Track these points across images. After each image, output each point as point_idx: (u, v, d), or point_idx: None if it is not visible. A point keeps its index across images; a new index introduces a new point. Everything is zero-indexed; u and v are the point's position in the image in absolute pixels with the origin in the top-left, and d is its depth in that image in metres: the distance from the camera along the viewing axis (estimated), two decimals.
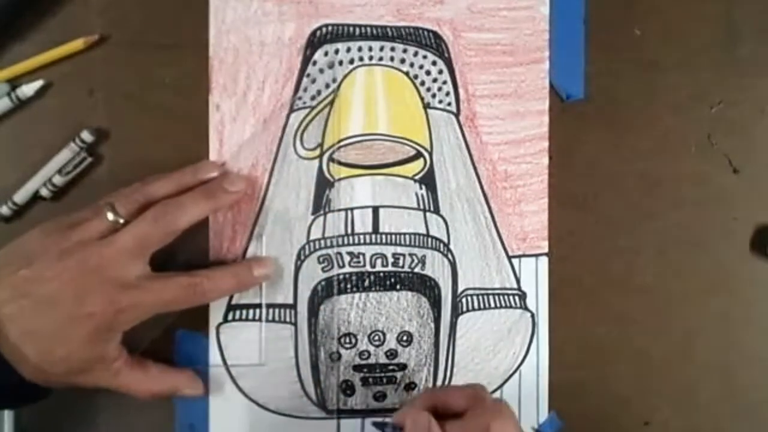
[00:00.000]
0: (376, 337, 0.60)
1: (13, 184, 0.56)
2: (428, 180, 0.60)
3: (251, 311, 0.59)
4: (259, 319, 0.59)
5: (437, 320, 0.60)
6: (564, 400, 0.62)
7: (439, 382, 0.61)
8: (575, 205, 0.62)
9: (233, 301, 0.58)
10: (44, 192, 0.56)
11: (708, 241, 0.64)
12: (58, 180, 0.56)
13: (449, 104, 0.61)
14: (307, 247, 0.59)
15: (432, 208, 0.60)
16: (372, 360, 0.60)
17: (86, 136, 0.56)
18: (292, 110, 0.59)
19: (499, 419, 0.49)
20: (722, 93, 0.64)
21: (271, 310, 0.59)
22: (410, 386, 0.61)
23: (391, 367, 0.60)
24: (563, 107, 0.62)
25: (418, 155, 0.60)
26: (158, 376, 0.54)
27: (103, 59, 0.57)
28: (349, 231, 0.59)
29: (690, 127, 0.63)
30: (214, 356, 0.58)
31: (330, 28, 0.59)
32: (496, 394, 0.61)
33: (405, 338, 0.60)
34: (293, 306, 0.59)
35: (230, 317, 0.58)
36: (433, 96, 0.60)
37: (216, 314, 0.58)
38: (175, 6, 0.58)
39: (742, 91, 0.64)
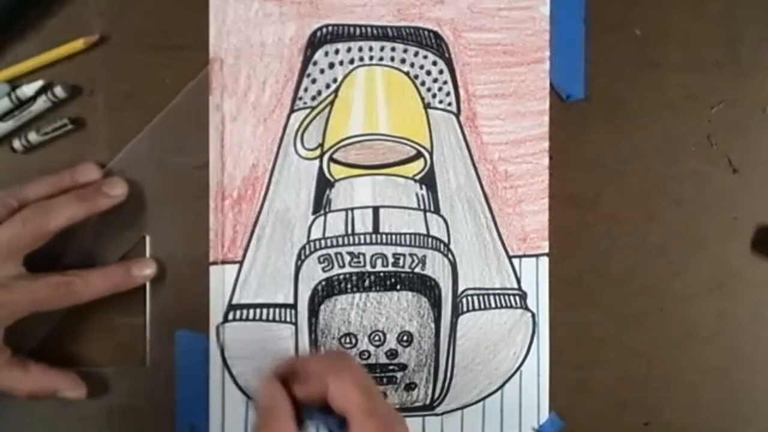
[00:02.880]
0: (377, 337, 0.60)
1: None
2: (428, 180, 0.60)
3: (251, 311, 0.59)
4: (259, 319, 0.59)
5: (437, 320, 0.60)
6: (564, 400, 0.62)
7: (439, 383, 0.61)
8: (575, 205, 0.62)
9: (233, 301, 0.58)
10: (17, 145, 0.57)
11: (708, 241, 0.64)
12: (33, 138, 0.56)
13: (449, 104, 0.61)
14: (307, 247, 0.59)
15: (432, 208, 0.60)
16: (372, 360, 0.60)
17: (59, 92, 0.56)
18: (292, 110, 0.59)
19: (336, 374, 0.48)
20: (722, 93, 0.63)
21: (271, 310, 0.59)
22: (410, 386, 0.61)
23: (391, 368, 0.60)
24: (563, 107, 0.62)
25: (419, 155, 0.60)
26: (39, 376, 0.54)
27: (103, 59, 0.57)
28: (350, 231, 0.59)
29: (690, 127, 0.63)
30: (214, 356, 0.58)
31: (330, 28, 0.59)
32: (497, 395, 0.61)
33: (405, 338, 0.60)
34: (294, 306, 0.59)
35: (230, 317, 0.58)
36: (434, 96, 0.60)
37: (216, 314, 0.58)
38: (175, 6, 0.58)
39: (742, 91, 0.64)
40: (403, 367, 0.60)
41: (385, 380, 0.60)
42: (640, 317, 0.63)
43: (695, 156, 0.64)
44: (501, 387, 0.62)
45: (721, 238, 0.64)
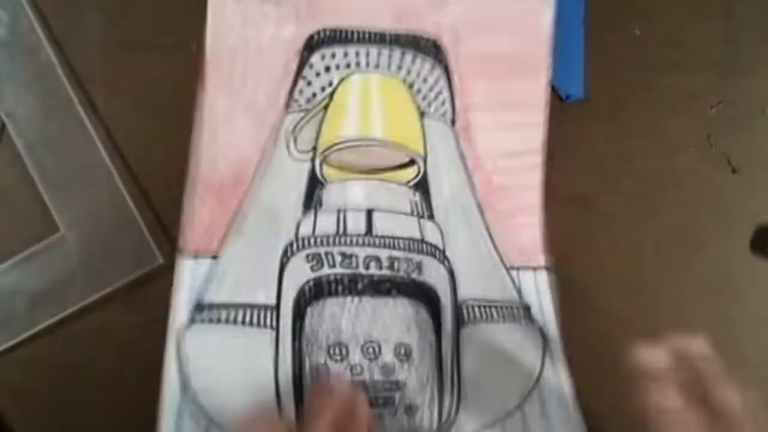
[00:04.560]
0: (370, 349, 0.55)
1: None
2: (422, 187, 0.59)
3: (224, 312, 0.54)
4: (233, 322, 0.54)
5: (438, 332, 0.56)
6: None
7: (446, 404, 0.55)
8: (575, 205, 0.62)
9: (204, 300, 0.54)
10: None
11: (707, 240, 0.63)
12: None
13: (444, 114, 0.60)
14: (294, 243, 0.56)
15: (426, 215, 0.59)
16: (365, 376, 0.55)
17: None
18: (286, 112, 0.58)
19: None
20: (722, 93, 0.64)
21: (248, 311, 0.54)
22: (410, 409, 0.55)
23: (387, 386, 0.55)
24: (563, 107, 0.62)
25: (413, 162, 0.59)
26: None
27: (103, 59, 0.58)
28: (341, 231, 0.57)
29: (689, 127, 0.64)
30: (169, 366, 0.53)
31: (328, 31, 0.59)
32: (517, 415, 0.57)
33: (403, 351, 0.56)
34: (275, 307, 0.54)
35: (197, 318, 0.54)
36: (429, 105, 0.60)
37: (179, 314, 0.54)
38: (174, 6, 0.59)
39: (741, 91, 0.64)
40: (401, 385, 0.55)
41: (381, 401, 0.55)
42: (639, 317, 0.62)
43: (695, 156, 0.64)
44: (520, 406, 0.57)
45: (720, 238, 0.63)
